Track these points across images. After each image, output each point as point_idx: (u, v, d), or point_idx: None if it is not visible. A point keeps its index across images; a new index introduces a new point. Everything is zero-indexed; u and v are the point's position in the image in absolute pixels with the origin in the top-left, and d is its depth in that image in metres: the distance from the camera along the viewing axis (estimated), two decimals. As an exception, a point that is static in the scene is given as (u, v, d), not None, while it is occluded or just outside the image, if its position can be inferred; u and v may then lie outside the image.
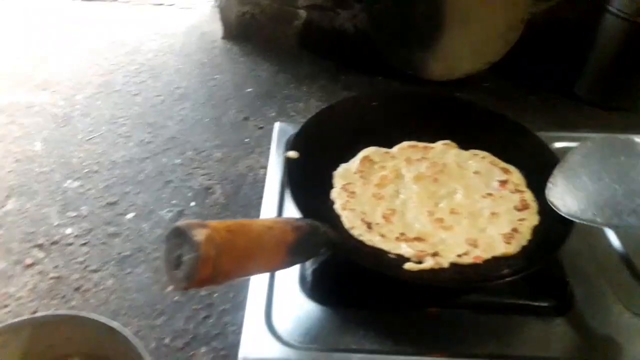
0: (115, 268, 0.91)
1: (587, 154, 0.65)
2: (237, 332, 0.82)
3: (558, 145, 0.77)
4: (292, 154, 0.69)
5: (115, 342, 0.69)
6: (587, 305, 0.60)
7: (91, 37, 1.54)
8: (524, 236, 0.62)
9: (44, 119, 1.22)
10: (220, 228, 0.48)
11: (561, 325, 0.58)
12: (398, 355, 0.56)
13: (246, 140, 1.14)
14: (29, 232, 0.97)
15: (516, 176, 0.69)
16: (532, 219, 0.64)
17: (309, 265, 0.63)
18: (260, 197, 1.02)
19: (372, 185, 0.67)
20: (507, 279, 0.57)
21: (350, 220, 0.62)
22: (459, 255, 0.60)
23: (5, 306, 0.86)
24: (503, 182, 0.68)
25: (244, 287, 0.86)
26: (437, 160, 0.71)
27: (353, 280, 0.60)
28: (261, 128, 1.18)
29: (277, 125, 0.88)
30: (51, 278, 0.89)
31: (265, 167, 1.07)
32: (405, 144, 0.73)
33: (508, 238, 0.62)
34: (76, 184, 1.05)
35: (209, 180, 1.06)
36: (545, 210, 0.63)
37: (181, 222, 0.46)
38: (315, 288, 0.61)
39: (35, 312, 0.83)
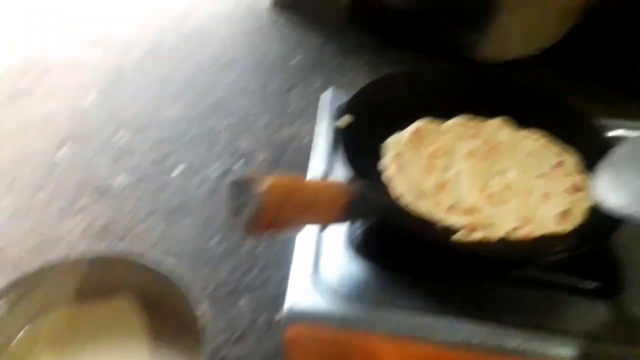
0: (162, 219, 0.95)
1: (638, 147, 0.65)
2: (279, 286, 0.86)
3: (614, 133, 0.77)
4: (347, 118, 0.71)
5: (163, 285, 0.73)
6: (637, 292, 0.60)
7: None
8: (576, 217, 0.63)
9: (97, 74, 1.26)
10: (279, 182, 0.51)
11: (607, 308, 0.58)
12: (444, 317, 0.57)
13: (290, 109, 1.17)
14: (82, 178, 1.01)
15: (571, 159, 0.69)
16: (585, 202, 0.64)
17: (359, 226, 0.65)
18: (303, 165, 1.05)
19: (423, 157, 0.68)
20: (557, 256, 0.58)
21: (400, 189, 0.64)
22: (509, 231, 0.61)
23: (58, 245, 0.90)
24: (557, 164, 0.68)
25: (288, 243, 0.90)
26: (490, 138, 0.72)
27: (401, 244, 0.62)
28: (305, 98, 1.20)
29: (328, 92, 0.90)
30: (101, 223, 0.94)
31: (308, 136, 1.11)
32: (459, 119, 0.74)
33: (560, 218, 0.62)
34: (126, 137, 1.09)
35: (253, 145, 1.09)
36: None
37: (245, 174, 0.50)
38: (363, 248, 0.63)
39: (86, 252, 0.88)
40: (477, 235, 0.60)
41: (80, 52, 1.33)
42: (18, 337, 0.72)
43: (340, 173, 0.66)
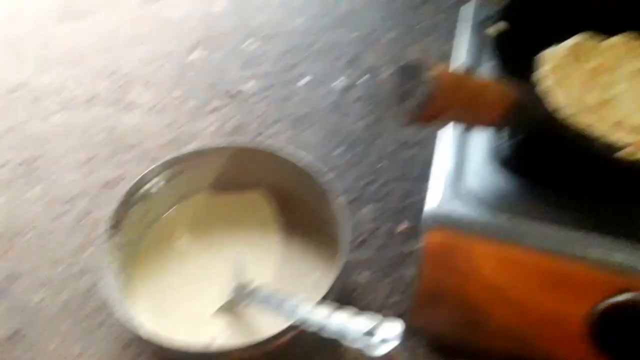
0: (289, 125, 0.97)
1: None
2: (401, 199, 0.87)
3: None
4: (500, 25, 0.68)
5: (302, 179, 0.75)
6: None
7: None
8: None
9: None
10: (450, 72, 0.50)
11: None
12: (598, 237, 0.55)
13: (419, 25, 1.14)
14: (213, 81, 1.04)
15: None
16: None
17: (506, 138, 0.64)
18: (429, 83, 1.04)
19: (584, 72, 0.65)
20: None
21: (559, 102, 0.62)
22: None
23: (192, 141, 0.95)
24: None
25: (412, 159, 0.91)
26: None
27: (553, 159, 0.60)
28: (437, 15, 1.16)
29: (471, 3, 0.86)
30: (232, 124, 0.97)
31: (437, 55, 1.08)
32: (622, 37, 0.69)
33: None
34: (255, 44, 1.11)
35: (379, 60, 1.08)
36: None
37: (413, 59, 0.49)
38: (511, 161, 0.62)
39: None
40: (646, 155, 0.57)
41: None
42: (166, 214, 0.77)
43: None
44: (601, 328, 0.57)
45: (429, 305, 0.66)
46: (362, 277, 0.78)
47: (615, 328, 0.57)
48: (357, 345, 0.50)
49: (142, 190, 0.73)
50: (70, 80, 1.05)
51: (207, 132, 0.96)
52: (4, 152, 0.95)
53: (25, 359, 0.72)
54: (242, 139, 0.94)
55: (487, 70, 0.68)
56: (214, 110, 0.99)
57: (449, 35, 1.09)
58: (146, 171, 0.73)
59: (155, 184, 0.75)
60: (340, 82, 1.04)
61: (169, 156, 0.75)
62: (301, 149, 0.92)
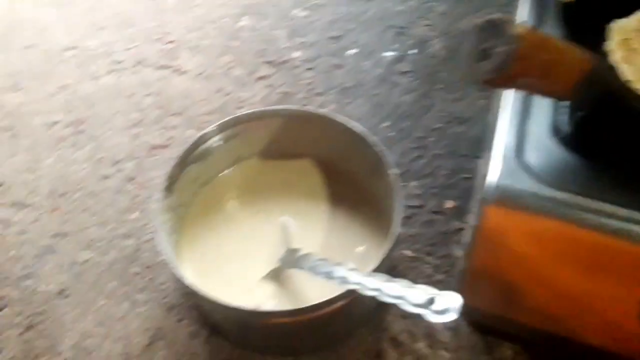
0: (336, 96, 0.96)
1: None
2: (447, 176, 0.85)
3: None
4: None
5: (351, 148, 0.74)
6: None
7: None
8: None
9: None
10: (533, 31, 0.48)
11: None
12: None
13: (472, -1, 1.11)
14: (260, 49, 1.03)
15: None
16: None
17: (567, 111, 0.62)
18: (481, 58, 1.01)
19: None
20: None
21: (631, 74, 0.59)
22: None
23: (240, 108, 0.94)
24: None
25: (458, 136, 0.89)
26: None
27: (618, 136, 0.58)
28: (490, -11, 1.13)
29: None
30: (279, 92, 0.96)
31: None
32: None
33: None
34: (304, 13, 1.09)
35: (431, 32, 1.05)
36: None
37: (495, 15, 0.47)
38: (573, 136, 0.59)
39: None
40: None
41: None
42: (216, 178, 0.77)
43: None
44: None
45: (477, 283, 0.65)
46: (406, 253, 0.77)
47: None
48: (417, 311, 0.50)
49: (199, 150, 0.73)
50: (119, 44, 1.05)
51: (254, 100, 0.95)
52: (54, 112, 0.96)
53: (72, 316, 0.73)
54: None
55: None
56: (261, 78, 0.98)
57: (503, 8, 1.07)
58: (206, 130, 0.73)
59: (212, 145, 0.74)
60: (388, 54, 1.02)
61: (227, 117, 0.75)
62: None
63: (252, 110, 0.76)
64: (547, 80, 0.50)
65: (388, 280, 0.53)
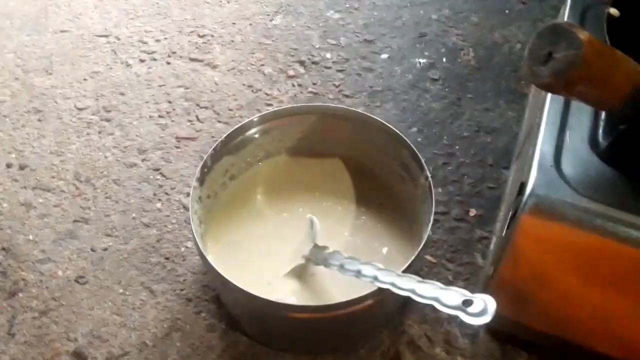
0: (365, 98, 0.95)
1: None
2: (476, 184, 0.84)
3: None
4: (613, 11, 0.65)
5: (382, 150, 0.74)
6: None
7: None
8: None
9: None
10: (596, 39, 0.47)
11: None
12: None
13: (507, 11, 1.09)
14: (293, 47, 1.03)
15: None
16: None
17: (606, 125, 0.61)
18: (513, 70, 1.00)
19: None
20: None
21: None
22: None
23: (269, 105, 0.94)
24: None
25: (485, 145, 0.88)
26: None
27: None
28: (524, 3, 1.12)
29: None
30: (309, 92, 0.96)
31: (522, 42, 1.04)
32: None
33: None
34: (337, 15, 1.09)
35: (463, 41, 1.04)
36: None
37: (561, 21, 0.46)
38: (611, 150, 0.59)
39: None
40: None
41: None
42: (246, 172, 0.77)
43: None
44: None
45: (504, 292, 0.64)
46: (428, 258, 0.76)
47: None
48: (452, 312, 0.49)
49: (235, 142, 0.72)
50: (152, 34, 1.06)
51: (283, 98, 0.95)
52: (83, 97, 0.96)
53: (88, 303, 0.73)
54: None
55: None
56: (292, 77, 0.98)
57: (537, 23, 1.06)
58: (244, 121, 0.72)
59: (247, 137, 0.74)
60: (420, 61, 1.01)
61: (266, 111, 0.74)
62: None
63: (291, 106, 0.76)
64: (603, 89, 0.49)
65: (420, 281, 0.52)
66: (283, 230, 0.73)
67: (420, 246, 0.60)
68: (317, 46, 1.03)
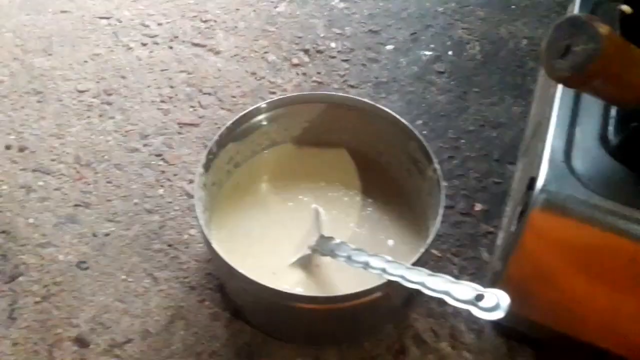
0: (370, 89, 0.95)
1: None
2: (482, 179, 0.84)
3: None
4: (626, 8, 0.65)
5: (390, 141, 0.73)
6: None
7: None
8: None
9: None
10: (615, 33, 0.47)
11: None
12: None
13: (513, 6, 1.09)
14: (297, 36, 1.02)
15: None
16: None
17: (617, 123, 0.61)
18: (519, 65, 1.00)
19: None
20: None
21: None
22: None
23: (273, 93, 0.93)
24: None
25: (491, 140, 0.87)
26: None
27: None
28: (531, -2, 1.12)
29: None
30: (313, 81, 0.95)
31: (528, 38, 1.04)
32: None
33: None
34: (343, 4, 1.08)
35: (469, 35, 1.04)
36: None
37: (580, 14, 0.45)
38: (622, 147, 0.58)
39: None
40: None
41: None
42: (251, 159, 0.76)
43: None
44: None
45: (512, 287, 0.63)
46: (433, 252, 0.76)
47: None
48: (464, 306, 0.49)
49: (241, 128, 0.72)
50: (154, 17, 1.04)
51: (287, 87, 0.94)
52: (84, 80, 0.94)
53: (90, 289, 0.72)
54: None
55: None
56: (296, 65, 0.97)
57: (543, 19, 1.06)
58: (251, 108, 0.71)
59: (254, 124, 0.73)
60: (426, 53, 1.01)
61: (274, 98, 0.74)
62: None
63: (299, 93, 0.74)
64: (620, 85, 0.48)
65: (430, 275, 0.52)
66: (287, 219, 0.72)
67: (430, 239, 0.60)
68: (321, 35, 1.02)
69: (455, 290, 0.50)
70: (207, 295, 0.71)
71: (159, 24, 1.03)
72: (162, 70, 0.96)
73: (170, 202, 0.80)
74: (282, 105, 0.73)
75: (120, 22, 1.03)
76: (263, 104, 0.72)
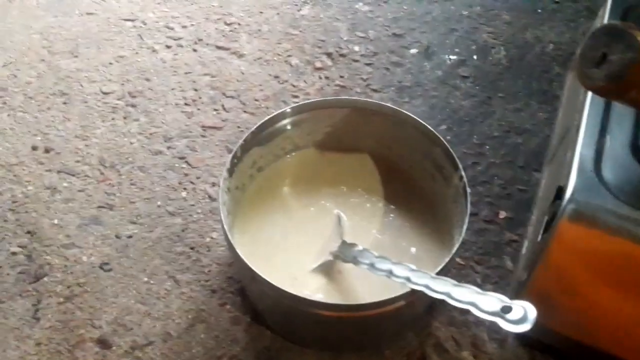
0: (393, 94, 0.94)
1: None
2: (506, 186, 0.83)
3: None
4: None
5: (415, 147, 0.72)
6: None
7: None
8: None
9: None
10: None
11: None
12: None
13: (539, 10, 1.08)
14: (320, 39, 1.01)
15: None
16: None
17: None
18: (545, 70, 0.98)
19: None
20: None
21: None
22: None
23: (295, 96, 0.93)
24: None
25: (517, 146, 0.86)
26: None
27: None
28: (557, 2, 1.10)
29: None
30: (336, 85, 0.94)
31: (554, 42, 1.02)
32: None
33: None
34: (367, 7, 1.07)
35: (494, 39, 1.02)
36: None
37: (618, 21, 0.44)
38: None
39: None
40: None
41: None
42: (276, 162, 0.76)
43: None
44: None
45: (537, 298, 0.62)
46: (457, 260, 0.75)
47: None
48: (490, 318, 0.48)
49: (265, 132, 0.71)
50: (179, 19, 1.04)
51: (310, 90, 0.93)
52: (109, 82, 0.95)
53: (112, 290, 0.72)
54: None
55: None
56: (319, 69, 0.97)
57: (570, 23, 1.04)
58: (275, 113, 0.71)
59: (278, 129, 0.73)
60: (450, 57, 1.00)
61: (300, 102, 0.73)
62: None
63: (323, 98, 0.74)
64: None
65: (456, 285, 0.51)
66: (309, 224, 0.72)
67: (455, 248, 0.59)
68: (345, 38, 1.02)
69: (481, 302, 0.49)
70: (228, 298, 0.71)
71: (184, 27, 1.03)
72: (186, 73, 0.96)
73: (193, 205, 0.80)
74: (307, 110, 0.73)
75: (145, 24, 1.04)
76: (288, 109, 0.72)
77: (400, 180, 0.75)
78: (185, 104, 0.92)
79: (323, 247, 0.69)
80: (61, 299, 0.71)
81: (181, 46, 1.00)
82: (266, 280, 0.58)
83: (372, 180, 0.76)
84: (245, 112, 0.91)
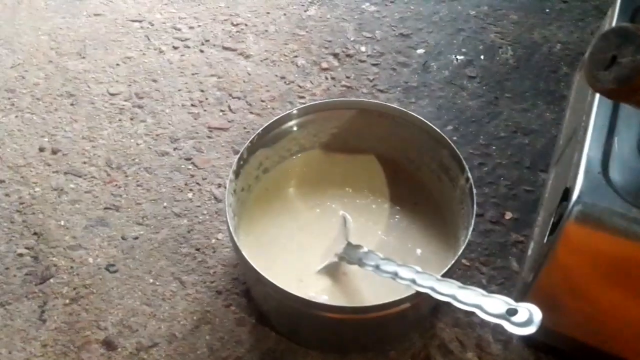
0: (400, 94, 0.94)
1: None
2: (513, 186, 0.82)
3: None
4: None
5: (422, 149, 0.72)
6: None
7: None
8: None
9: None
10: None
11: None
12: None
13: (547, 10, 1.07)
14: (327, 39, 1.01)
15: None
16: None
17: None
18: (552, 71, 0.98)
19: None
20: None
21: None
22: None
23: (302, 97, 0.93)
24: None
25: (523, 147, 0.86)
26: None
27: None
28: (565, 2, 1.10)
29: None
30: (342, 85, 0.94)
31: (562, 42, 1.02)
32: None
33: None
34: (373, 8, 1.07)
35: (501, 39, 1.02)
36: None
37: (628, 23, 0.44)
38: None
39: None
40: None
41: None
42: (279, 165, 0.76)
43: None
44: None
45: (543, 299, 0.62)
46: (462, 261, 0.75)
47: None
48: (496, 321, 0.48)
49: (271, 134, 0.71)
50: (186, 20, 1.05)
51: (316, 91, 0.93)
52: (116, 83, 0.95)
53: (118, 292, 0.72)
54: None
55: None
56: (325, 70, 0.96)
57: (578, 23, 1.04)
58: (282, 114, 0.71)
59: (284, 130, 0.73)
60: (457, 57, 0.99)
61: (306, 103, 0.73)
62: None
63: (330, 100, 0.74)
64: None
65: (461, 287, 0.51)
66: (315, 226, 0.72)
67: (461, 250, 0.59)
68: (351, 39, 1.01)
69: (486, 304, 0.49)
70: (233, 300, 0.71)
71: (191, 27, 1.03)
72: (192, 74, 0.96)
73: (199, 206, 0.80)
74: (313, 111, 0.73)
75: (152, 25, 1.04)
76: (294, 110, 0.72)
77: (406, 181, 0.75)
78: (192, 105, 0.92)
79: (328, 248, 0.69)
80: (67, 301, 0.72)
81: (188, 47, 1.00)
82: (271, 282, 0.57)
83: (378, 182, 0.76)
84: (251, 112, 0.91)
